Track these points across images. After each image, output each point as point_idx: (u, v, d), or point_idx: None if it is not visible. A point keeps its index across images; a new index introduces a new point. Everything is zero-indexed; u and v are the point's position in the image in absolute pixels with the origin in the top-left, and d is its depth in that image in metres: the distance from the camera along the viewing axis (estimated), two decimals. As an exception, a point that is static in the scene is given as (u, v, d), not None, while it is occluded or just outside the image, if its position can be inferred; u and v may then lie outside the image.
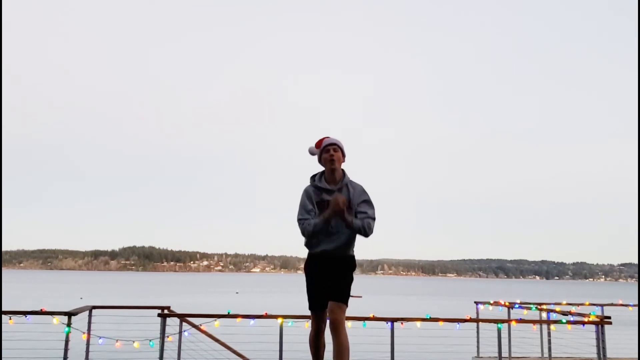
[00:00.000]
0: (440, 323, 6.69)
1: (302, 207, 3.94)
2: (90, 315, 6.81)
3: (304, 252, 4.10)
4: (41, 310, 6.23)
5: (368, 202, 3.97)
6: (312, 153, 4.04)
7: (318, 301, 3.89)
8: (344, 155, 4.03)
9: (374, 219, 3.92)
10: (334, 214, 3.78)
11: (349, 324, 6.09)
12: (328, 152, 3.96)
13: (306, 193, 4.00)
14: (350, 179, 4.03)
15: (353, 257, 4.04)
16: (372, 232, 3.92)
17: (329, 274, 3.87)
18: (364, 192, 3.99)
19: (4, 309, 6.17)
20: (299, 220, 3.92)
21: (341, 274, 3.89)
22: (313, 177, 4.06)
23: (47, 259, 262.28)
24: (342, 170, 4.02)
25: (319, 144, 4.03)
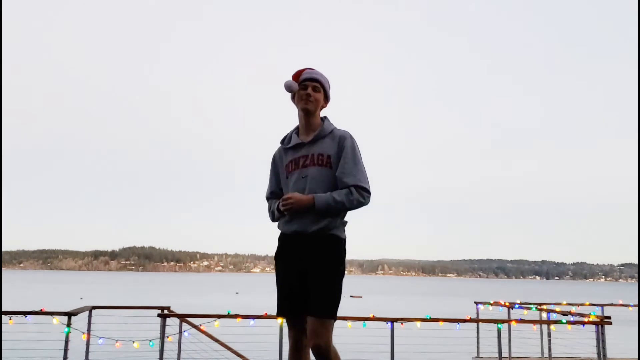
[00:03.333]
0: (440, 323, 6.67)
1: (269, 182, 2.92)
2: (90, 316, 6.79)
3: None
4: (41, 310, 6.21)
5: (349, 160, 2.67)
6: (289, 89, 2.76)
7: (289, 303, 2.68)
8: (327, 99, 2.82)
9: (358, 186, 2.62)
10: (290, 210, 2.63)
11: (348, 324, 6.03)
12: (305, 89, 2.73)
13: (272, 161, 2.89)
14: (335, 126, 2.80)
15: (340, 238, 2.68)
16: (361, 204, 2.64)
17: (307, 266, 2.63)
18: (345, 143, 2.70)
19: (4, 309, 6.16)
20: (266, 199, 2.93)
21: (324, 269, 2.60)
22: (285, 138, 2.90)
23: (47, 259, 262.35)
24: (323, 118, 2.82)
25: (297, 75, 2.77)
